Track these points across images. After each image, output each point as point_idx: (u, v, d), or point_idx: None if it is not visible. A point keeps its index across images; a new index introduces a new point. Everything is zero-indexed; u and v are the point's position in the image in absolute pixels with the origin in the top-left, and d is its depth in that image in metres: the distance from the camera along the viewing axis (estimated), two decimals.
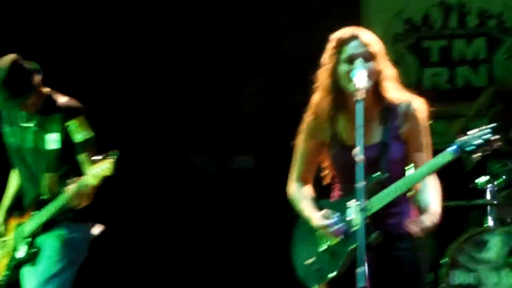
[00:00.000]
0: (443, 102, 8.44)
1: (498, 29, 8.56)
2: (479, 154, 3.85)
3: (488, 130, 3.83)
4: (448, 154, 3.86)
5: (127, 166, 7.72)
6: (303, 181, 4.29)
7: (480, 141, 3.81)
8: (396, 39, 8.64)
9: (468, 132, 3.86)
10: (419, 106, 4.11)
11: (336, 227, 4.02)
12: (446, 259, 6.66)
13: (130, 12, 8.40)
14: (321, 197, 4.28)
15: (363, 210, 3.75)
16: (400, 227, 4.05)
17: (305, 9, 8.35)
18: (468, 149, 3.83)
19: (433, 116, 7.49)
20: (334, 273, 3.97)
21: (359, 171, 3.76)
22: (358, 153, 3.78)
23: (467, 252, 6.68)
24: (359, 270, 3.63)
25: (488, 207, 6.87)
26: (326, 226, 4.04)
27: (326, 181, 4.29)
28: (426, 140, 4.11)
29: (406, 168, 4.10)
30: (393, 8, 8.65)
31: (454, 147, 3.85)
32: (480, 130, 3.84)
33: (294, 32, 8.26)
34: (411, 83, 8.33)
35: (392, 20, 8.64)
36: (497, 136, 3.82)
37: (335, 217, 4.04)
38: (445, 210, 6.87)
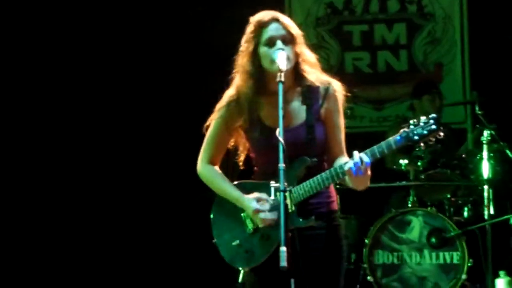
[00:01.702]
0: (365, 85, 8.57)
1: (418, 15, 8.66)
2: (422, 144, 3.91)
3: (432, 121, 3.85)
4: (392, 143, 3.88)
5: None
6: (212, 162, 4.26)
7: (424, 131, 3.85)
8: (318, 23, 8.69)
9: (411, 122, 3.88)
10: (338, 87, 4.13)
11: (267, 215, 4.00)
12: (368, 239, 6.73)
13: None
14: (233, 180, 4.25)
15: (285, 191, 3.74)
16: (320, 206, 4.07)
17: None
18: (413, 138, 3.86)
19: (354, 99, 7.67)
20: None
21: (280, 153, 3.74)
22: (279, 134, 3.77)
23: (390, 232, 6.77)
24: (280, 249, 3.62)
25: (410, 189, 6.98)
26: (259, 211, 4.02)
27: (240, 163, 4.28)
28: (342, 121, 4.14)
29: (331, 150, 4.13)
30: None
31: (398, 137, 3.87)
32: (424, 121, 3.86)
33: (215, 17, 8.22)
34: (333, 67, 8.44)
35: (314, 4, 8.69)
36: (440, 127, 3.86)
37: (268, 204, 4.02)
38: (368, 191, 7.02)
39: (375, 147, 3.89)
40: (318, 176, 3.98)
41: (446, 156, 7.21)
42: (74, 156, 8.27)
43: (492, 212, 6.73)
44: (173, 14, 8.41)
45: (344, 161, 3.95)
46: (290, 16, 8.15)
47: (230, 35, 4.40)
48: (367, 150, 3.89)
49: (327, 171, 3.98)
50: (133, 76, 8.30)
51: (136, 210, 8.14)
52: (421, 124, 3.86)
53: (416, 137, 3.86)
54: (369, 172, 3.89)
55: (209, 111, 4.24)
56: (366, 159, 3.85)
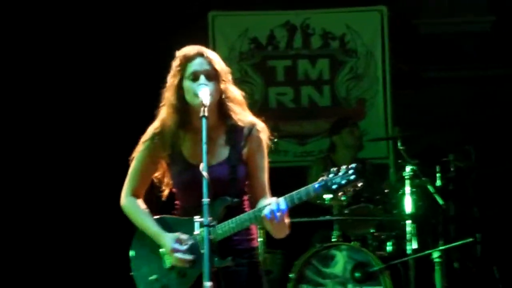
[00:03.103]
0: (288, 120, 8.61)
1: (341, 51, 8.75)
2: (341, 193, 3.90)
3: (351, 171, 3.86)
4: (311, 190, 3.87)
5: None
6: (135, 195, 4.22)
7: (343, 181, 3.85)
8: (242, 58, 8.71)
9: (332, 170, 3.89)
10: (261, 128, 4.12)
11: (184, 256, 3.97)
12: (293, 274, 6.70)
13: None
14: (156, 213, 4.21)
15: (208, 226, 3.71)
16: (240, 243, 4.05)
17: (154, 26, 8.31)
18: (331, 188, 3.86)
19: (278, 134, 7.68)
20: None
21: (205, 188, 3.72)
22: (203, 169, 3.74)
23: (314, 267, 6.76)
24: (205, 285, 3.59)
25: (333, 224, 6.99)
26: (176, 250, 3.98)
27: (164, 197, 4.23)
28: (265, 162, 4.12)
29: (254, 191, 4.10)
30: (239, 27, 8.71)
31: (317, 185, 3.86)
32: (343, 170, 3.87)
33: (142, 49, 8.18)
34: (257, 102, 8.45)
35: (238, 38, 8.70)
36: (360, 177, 3.86)
37: (187, 246, 3.98)
38: (293, 225, 7.00)
39: (294, 193, 3.89)
40: (238, 217, 3.95)
41: (369, 191, 7.25)
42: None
43: (415, 246, 6.77)
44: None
45: (266, 203, 3.92)
46: (214, 50, 8.24)
47: (156, 67, 4.37)
48: (286, 196, 3.89)
49: (247, 213, 3.97)
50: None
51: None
52: (341, 173, 3.87)
53: (334, 186, 3.86)
54: (286, 220, 3.89)
55: None
56: (282, 205, 3.85)
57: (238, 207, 4.01)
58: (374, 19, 8.68)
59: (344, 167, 3.88)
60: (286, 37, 8.75)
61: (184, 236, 4.01)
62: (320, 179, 3.88)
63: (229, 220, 3.95)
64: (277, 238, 4.03)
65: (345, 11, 8.75)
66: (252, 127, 4.10)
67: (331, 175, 3.87)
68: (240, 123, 4.08)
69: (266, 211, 3.86)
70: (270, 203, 3.87)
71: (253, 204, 4.07)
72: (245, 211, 4.00)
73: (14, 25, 8.17)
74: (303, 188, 3.89)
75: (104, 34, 8.30)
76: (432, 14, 8.88)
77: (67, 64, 8.26)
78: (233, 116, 4.07)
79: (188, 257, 3.97)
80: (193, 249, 3.97)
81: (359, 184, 3.88)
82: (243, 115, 4.10)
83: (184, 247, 3.98)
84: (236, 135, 4.08)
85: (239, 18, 8.75)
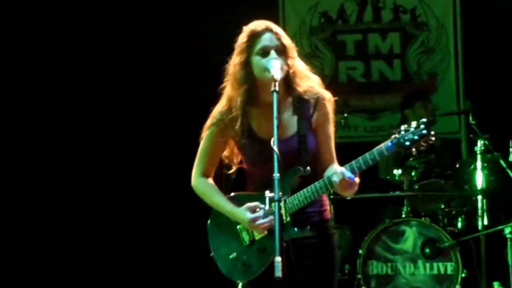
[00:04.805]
0: (358, 95, 8.57)
1: (412, 24, 8.67)
2: (414, 149, 3.86)
3: (423, 126, 3.81)
4: (384, 150, 3.84)
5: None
6: (206, 175, 4.25)
7: (415, 137, 3.81)
8: (312, 32, 8.69)
9: (402, 128, 3.84)
10: (328, 97, 4.12)
11: (264, 220, 3.98)
12: (362, 250, 6.71)
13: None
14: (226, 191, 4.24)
15: (279, 200, 3.73)
16: (314, 215, 4.07)
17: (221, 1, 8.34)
18: (404, 144, 3.82)
19: (348, 109, 7.66)
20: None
21: (275, 163, 3.73)
22: (274, 144, 3.76)
23: (384, 243, 6.75)
24: (276, 259, 3.60)
25: (403, 199, 6.96)
26: (254, 219, 4.00)
27: (233, 175, 4.26)
28: (332, 130, 4.15)
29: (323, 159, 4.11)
30: (309, 1, 8.69)
31: (389, 143, 3.84)
32: (414, 126, 3.83)
33: (210, 23, 8.20)
34: (327, 76, 8.43)
35: (308, 13, 8.68)
36: (432, 132, 3.83)
37: (262, 210, 4.00)
38: (362, 201, 7.00)
39: (367, 154, 3.88)
40: (312, 186, 3.96)
41: (440, 166, 7.21)
42: (72, 158, 8.28)
43: (486, 222, 6.71)
44: (167, 21, 8.41)
45: (334, 169, 3.93)
46: (284, 25, 8.31)
47: (223, 43, 4.37)
48: (360, 158, 3.87)
49: (320, 181, 3.97)
50: (131, 79, 8.33)
51: (134, 219, 8.13)
52: (412, 129, 3.83)
53: (407, 143, 3.82)
54: (356, 180, 3.89)
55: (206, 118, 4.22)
56: (347, 174, 3.84)
57: (310, 176, 4.00)
58: None
59: (414, 122, 3.84)
60: (356, 11, 8.70)
61: (254, 203, 4.03)
62: (393, 136, 3.84)
63: (302, 190, 3.97)
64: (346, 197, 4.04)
65: None
66: (318, 97, 4.10)
67: (402, 132, 3.83)
68: (306, 94, 4.09)
69: (335, 177, 3.86)
70: (341, 169, 3.87)
71: (322, 172, 4.04)
72: (318, 180, 3.99)
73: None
74: (375, 148, 3.87)
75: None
76: None
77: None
78: (299, 88, 4.09)
79: (267, 220, 3.96)
80: (269, 214, 3.97)
81: (432, 138, 3.82)
82: (309, 87, 4.11)
83: (261, 213, 4.00)
84: (304, 106, 4.09)
85: None
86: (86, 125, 8.30)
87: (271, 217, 3.94)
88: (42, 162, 8.21)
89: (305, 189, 3.97)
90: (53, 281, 7.99)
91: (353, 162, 3.89)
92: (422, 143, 3.83)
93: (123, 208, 8.16)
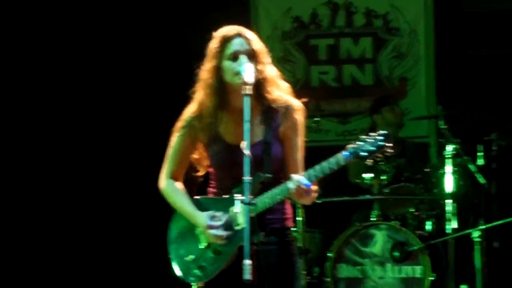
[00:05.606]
0: (330, 99, 8.61)
1: (384, 29, 8.72)
2: (371, 160, 3.92)
3: (381, 138, 3.85)
4: (340, 159, 3.87)
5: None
6: (174, 177, 4.27)
7: (372, 148, 3.84)
8: (284, 37, 8.73)
9: (361, 138, 3.88)
10: (298, 107, 4.15)
11: (221, 232, 4.02)
12: (332, 253, 6.75)
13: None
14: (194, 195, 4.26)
15: (249, 204, 3.76)
16: (274, 222, 4.09)
17: (194, 5, 8.33)
18: (360, 154, 3.85)
19: (320, 113, 7.68)
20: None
21: (246, 166, 3.76)
22: (245, 148, 3.79)
23: (353, 246, 6.79)
24: (245, 262, 3.65)
25: (373, 203, 7.00)
26: (212, 227, 4.04)
27: (200, 180, 4.28)
28: (301, 140, 4.16)
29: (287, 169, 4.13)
30: (282, 6, 8.73)
31: (347, 152, 3.86)
32: (373, 137, 3.87)
33: (182, 29, 8.21)
34: (299, 80, 8.46)
35: (280, 17, 8.72)
36: (389, 144, 3.88)
37: (223, 220, 4.04)
38: (332, 205, 7.03)
39: (325, 162, 3.90)
40: (270, 191, 3.99)
41: (410, 170, 7.26)
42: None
43: (455, 226, 6.76)
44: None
45: (295, 177, 3.95)
46: (257, 29, 8.31)
47: (193, 47, 4.38)
48: (317, 167, 3.90)
49: (277, 187, 3.99)
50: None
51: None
52: (370, 140, 3.87)
53: (364, 153, 3.85)
54: (313, 188, 3.93)
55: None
56: (304, 181, 3.87)
57: (272, 184, 4.02)
58: None
59: (373, 134, 3.88)
60: (329, 15, 8.75)
61: (218, 213, 4.07)
62: (350, 146, 3.88)
63: (263, 195, 3.99)
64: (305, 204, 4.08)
65: None
66: (287, 107, 4.12)
67: (360, 142, 3.87)
68: (276, 103, 4.11)
69: (291, 184, 3.90)
70: (298, 177, 3.90)
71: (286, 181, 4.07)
72: None
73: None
74: (333, 157, 3.89)
75: (141, 13, 8.38)
76: None
77: (98, 48, 8.38)
78: (269, 96, 4.10)
79: (223, 233, 4.02)
80: (228, 225, 4.03)
81: (389, 150, 3.87)
82: (279, 95, 4.13)
83: (219, 223, 4.04)
84: (272, 115, 4.11)
85: None
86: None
87: (225, 233, 4.01)
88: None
89: (265, 194, 3.99)
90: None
91: (310, 170, 3.92)
92: (378, 154, 3.88)
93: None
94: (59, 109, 8.33)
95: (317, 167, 3.90)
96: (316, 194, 4.02)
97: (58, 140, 8.30)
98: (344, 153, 3.87)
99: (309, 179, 3.90)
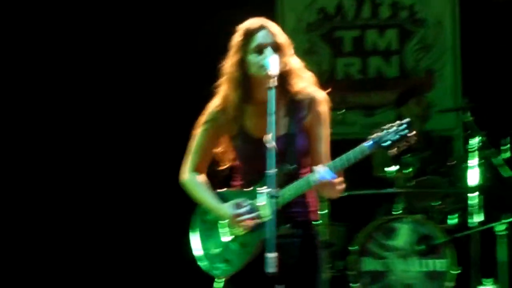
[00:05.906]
0: (355, 91, 8.59)
1: (410, 21, 8.67)
2: (395, 149, 3.89)
3: (404, 126, 3.85)
4: (364, 149, 3.87)
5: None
6: (197, 171, 4.26)
7: (396, 136, 3.84)
8: (309, 29, 8.70)
9: (384, 127, 3.87)
10: (322, 98, 4.14)
11: (249, 216, 4.01)
12: (355, 247, 6.74)
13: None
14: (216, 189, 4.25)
15: (273, 197, 3.76)
16: (300, 215, 4.09)
17: None
18: (384, 144, 3.85)
19: (345, 105, 7.66)
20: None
21: (270, 158, 3.76)
22: (270, 140, 3.78)
23: (376, 240, 6.77)
24: (269, 255, 3.64)
25: (397, 196, 6.98)
26: (238, 215, 4.03)
27: (224, 172, 4.27)
28: (326, 132, 4.14)
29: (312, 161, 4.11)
30: None
31: (370, 142, 3.86)
32: (396, 126, 3.86)
33: (205, 22, 8.20)
34: (324, 73, 8.44)
35: (305, 9, 8.69)
36: (413, 132, 3.86)
37: (247, 206, 4.04)
38: (356, 198, 7.01)
39: (350, 152, 3.90)
40: (294, 183, 3.99)
41: (435, 163, 7.22)
42: (70, 158, 8.32)
43: (480, 219, 6.72)
44: (164, 17, 8.43)
45: (318, 168, 3.95)
46: (282, 21, 8.30)
47: (218, 41, 4.38)
48: (343, 156, 3.90)
49: (301, 179, 4.00)
50: (127, 77, 8.33)
51: (134, 219, 8.16)
52: (393, 129, 3.87)
53: (387, 143, 3.85)
54: (338, 180, 3.92)
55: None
56: (326, 173, 3.87)
57: (297, 176, 4.03)
58: None
59: (396, 122, 3.88)
60: (354, 7, 8.70)
61: (240, 201, 4.07)
62: (374, 135, 3.88)
63: (287, 187, 3.98)
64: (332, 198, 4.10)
65: None
66: (312, 99, 4.12)
67: (383, 132, 3.87)
68: (300, 95, 4.11)
69: (314, 175, 3.90)
70: (323, 168, 3.91)
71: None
72: None
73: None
74: (355, 148, 3.89)
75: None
76: None
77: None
78: (294, 89, 4.10)
79: (250, 218, 4.00)
80: (253, 212, 4.02)
81: (413, 140, 3.86)
82: (303, 87, 4.12)
83: (244, 210, 4.03)
84: (296, 107, 4.10)
85: None
86: (85, 125, 8.34)
87: (255, 214, 3.99)
88: (41, 162, 8.27)
89: (289, 186, 3.98)
90: (51, 281, 8.06)
91: (336, 160, 3.92)
92: (403, 143, 3.87)
93: (123, 208, 8.19)
94: (75, 105, 8.37)
95: (343, 156, 3.90)
96: (341, 187, 4.01)
97: (79, 135, 8.36)
98: (369, 142, 3.87)
99: (334, 168, 3.90)
